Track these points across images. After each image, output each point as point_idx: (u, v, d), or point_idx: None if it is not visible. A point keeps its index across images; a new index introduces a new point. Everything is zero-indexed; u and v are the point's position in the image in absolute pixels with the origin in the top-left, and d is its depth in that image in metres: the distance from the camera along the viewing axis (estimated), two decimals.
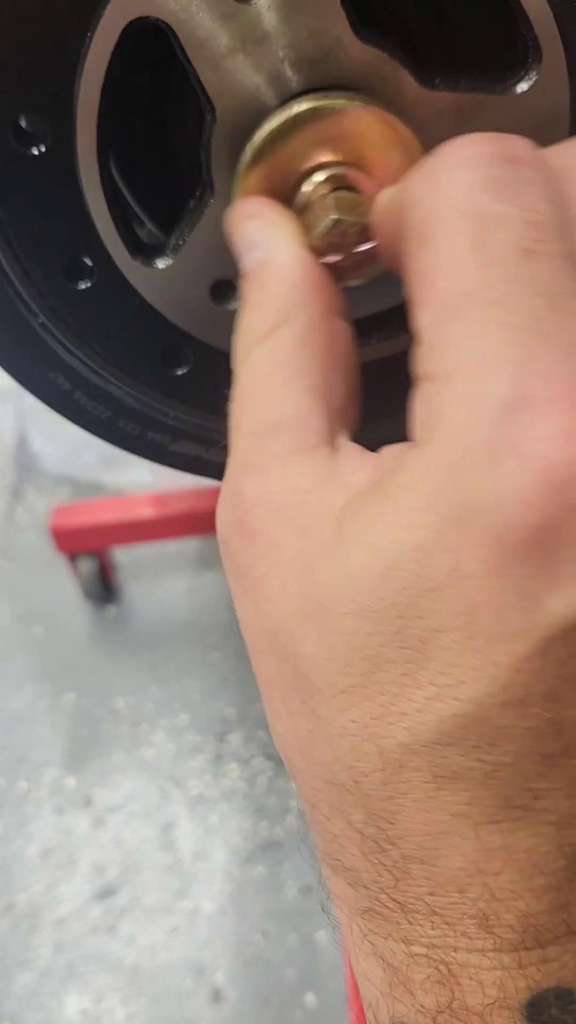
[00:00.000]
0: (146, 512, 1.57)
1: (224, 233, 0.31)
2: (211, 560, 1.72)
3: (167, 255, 0.34)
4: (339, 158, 0.30)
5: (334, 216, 0.29)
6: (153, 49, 0.30)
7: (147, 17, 0.29)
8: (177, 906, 1.26)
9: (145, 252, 0.34)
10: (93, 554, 1.61)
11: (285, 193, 0.31)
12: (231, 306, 0.35)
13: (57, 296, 0.35)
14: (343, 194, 0.30)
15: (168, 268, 0.34)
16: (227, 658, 1.55)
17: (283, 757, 0.27)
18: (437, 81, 0.30)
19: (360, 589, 0.22)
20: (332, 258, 0.29)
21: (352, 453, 0.26)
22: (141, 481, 1.81)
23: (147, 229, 0.38)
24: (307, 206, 0.30)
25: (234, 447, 0.27)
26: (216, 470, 0.40)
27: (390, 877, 0.23)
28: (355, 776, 0.23)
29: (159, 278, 0.34)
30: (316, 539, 0.24)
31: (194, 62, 0.29)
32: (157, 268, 0.34)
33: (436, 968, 0.23)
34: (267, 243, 0.29)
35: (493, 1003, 0.23)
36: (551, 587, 0.20)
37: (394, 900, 0.24)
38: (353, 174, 0.30)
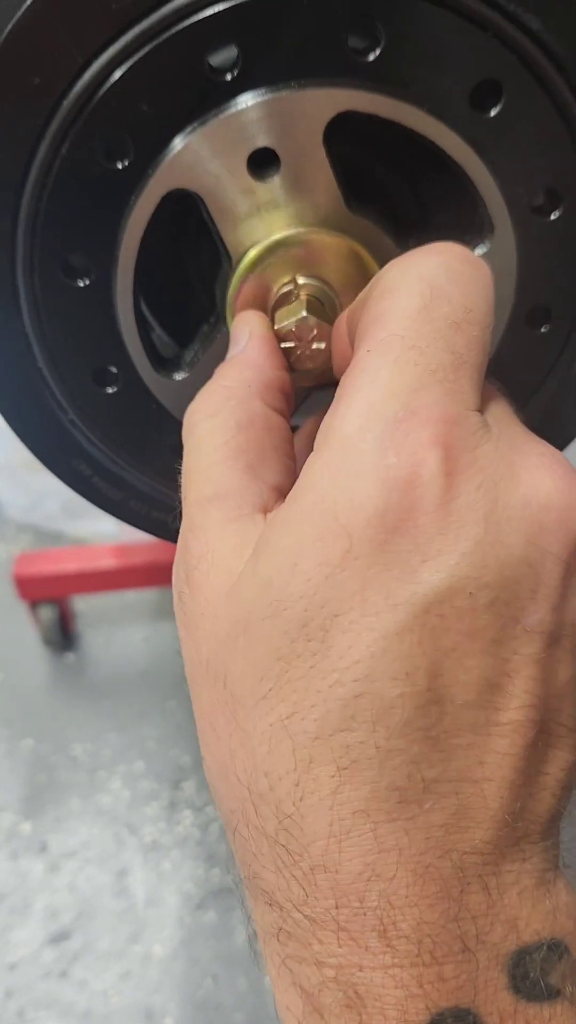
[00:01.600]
0: (108, 562, 1.62)
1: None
2: (169, 610, 1.75)
3: (184, 369, 0.40)
4: (315, 275, 0.37)
5: (303, 314, 0.36)
6: (180, 207, 0.37)
7: (183, 188, 0.35)
8: (129, 951, 1.29)
9: (165, 365, 0.41)
10: (54, 602, 1.64)
11: (267, 297, 0.38)
12: None
13: (86, 398, 0.41)
14: (313, 300, 0.37)
15: (184, 379, 0.40)
16: (183, 706, 1.59)
17: (211, 788, 0.29)
18: (411, 243, 0.38)
19: (274, 590, 0.26)
20: (288, 344, 0.36)
21: None
22: (101, 531, 1.86)
23: (158, 333, 0.45)
24: (284, 301, 0.37)
25: (184, 513, 0.31)
26: None
27: (300, 891, 0.25)
28: (271, 781, 0.25)
29: (175, 387, 0.41)
30: (241, 573, 0.28)
31: (218, 223, 0.36)
32: (175, 380, 0.40)
33: (344, 992, 0.25)
34: (240, 340, 0.35)
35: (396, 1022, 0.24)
36: (424, 559, 0.25)
37: (305, 916, 0.25)
38: (325, 289, 0.38)
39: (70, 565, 1.61)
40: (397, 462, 0.25)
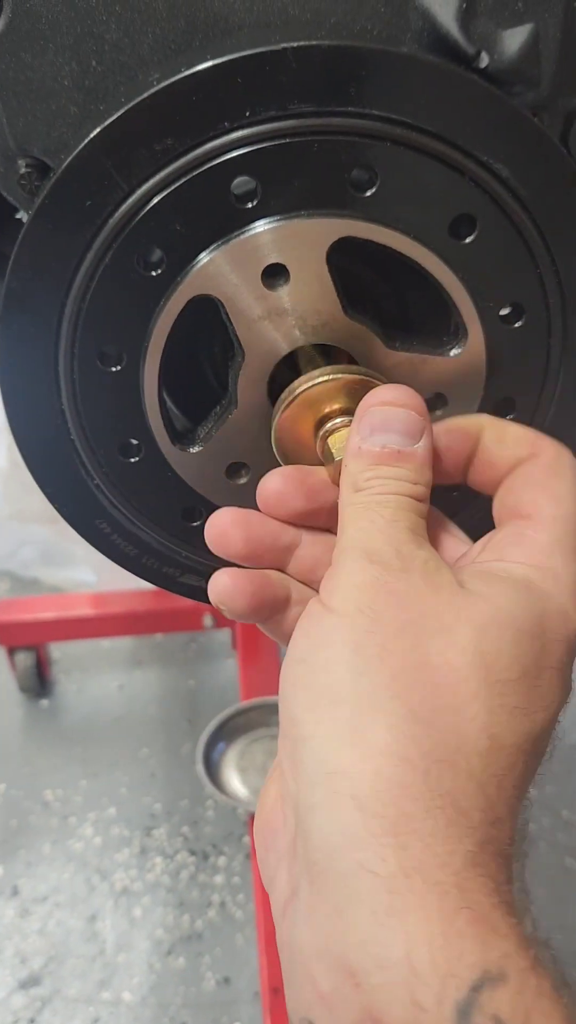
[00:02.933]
0: (86, 610, 1.66)
1: (241, 433, 0.44)
2: (144, 658, 1.80)
3: (198, 443, 0.46)
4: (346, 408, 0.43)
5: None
6: (199, 307, 0.43)
7: (206, 294, 0.42)
8: (99, 997, 1.30)
9: (182, 440, 0.46)
10: (31, 648, 1.67)
11: (313, 418, 0.43)
12: (239, 481, 0.47)
13: (111, 466, 0.47)
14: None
15: (197, 452, 0.46)
16: (156, 754, 1.62)
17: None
18: (397, 344, 0.44)
19: (522, 640, 0.34)
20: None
21: None
22: (77, 579, 1.90)
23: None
24: (331, 435, 0.43)
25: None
26: None
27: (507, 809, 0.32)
28: (491, 745, 0.33)
29: (190, 459, 0.47)
30: (469, 609, 0.35)
31: (234, 323, 0.43)
32: (190, 453, 0.46)
33: (515, 906, 0.30)
34: (422, 438, 0.39)
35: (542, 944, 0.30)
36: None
37: (509, 837, 0.32)
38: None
39: (48, 612, 1.65)
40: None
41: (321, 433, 0.42)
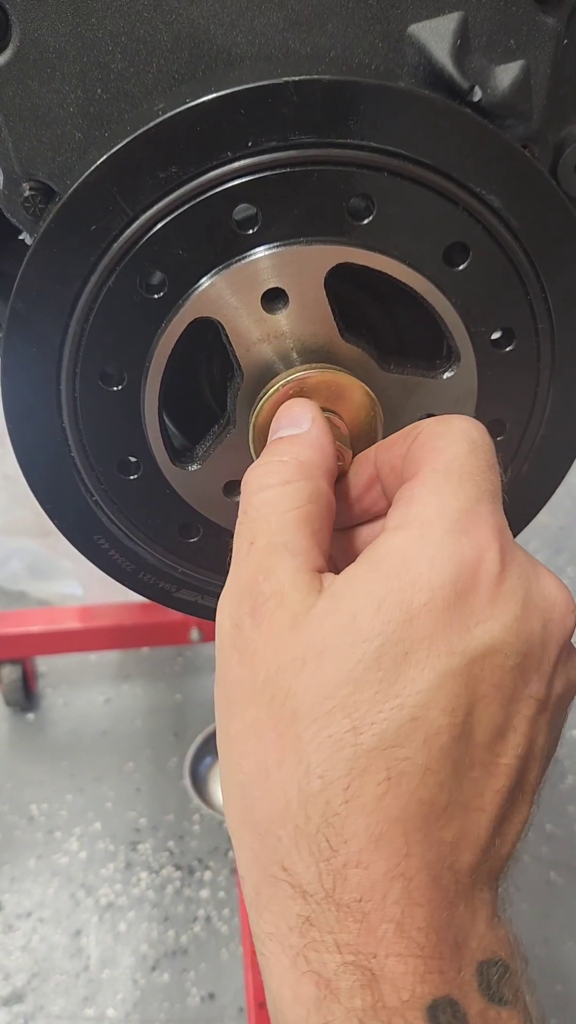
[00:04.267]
0: (73, 624, 1.66)
1: (239, 452, 0.45)
2: (131, 672, 1.80)
3: (197, 462, 0.47)
4: (325, 405, 0.45)
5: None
6: (199, 329, 0.45)
7: (206, 317, 0.43)
8: (82, 1013, 1.29)
9: (181, 458, 0.47)
10: (17, 662, 1.67)
11: None
12: (236, 499, 0.48)
13: (110, 483, 0.47)
14: (337, 429, 0.44)
15: (196, 471, 0.47)
16: (142, 768, 1.62)
17: (243, 797, 0.33)
18: (392, 367, 0.46)
19: (356, 624, 0.31)
20: None
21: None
22: (64, 592, 1.90)
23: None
24: None
25: (249, 556, 0.36)
26: (208, 612, 0.53)
27: (331, 882, 0.30)
28: (324, 783, 0.30)
29: (188, 476, 0.47)
30: (315, 610, 0.33)
31: (234, 345, 0.44)
32: (189, 471, 0.47)
33: (361, 974, 0.29)
34: (309, 423, 0.40)
35: (406, 1003, 0.29)
36: (477, 622, 0.32)
37: (333, 905, 0.29)
38: (332, 415, 0.45)
39: (35, 625, 1.65)
40: (468, 544, 0.33)
41: None
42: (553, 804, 1.54)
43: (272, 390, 0.44)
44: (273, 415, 0.44)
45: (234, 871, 1.45)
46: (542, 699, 0.33)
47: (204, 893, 1.44)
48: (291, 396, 0.44)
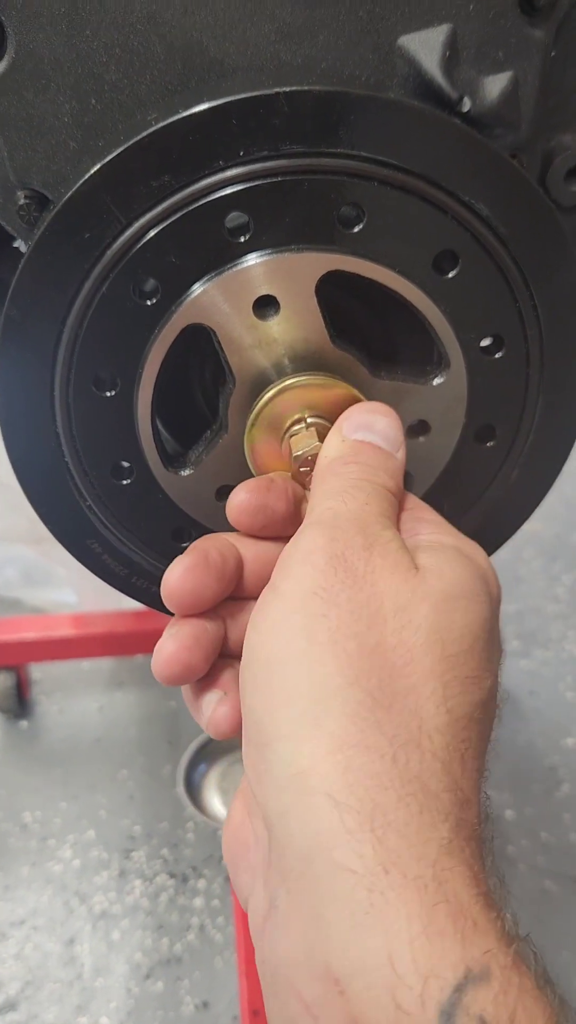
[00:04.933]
0: (66, 631, 1.66)
1: (231, 457, 0.46)
2: (124, 679, 1.80)
3: (189, 467, 0.48)
4: (316, 412, 0.45)
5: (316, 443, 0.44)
6: (191, 335, 0.45)
7: (198, 323, 0.43)
8: (76, 1022, 1.29)
9: (173, 463, 0.48)
10: (11, 669, 1.67)
11: (281, 427, 0.45)
12: None
13: (103, 488, 0.48)
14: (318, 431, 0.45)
15: (188, 476, 0.48)
16: (135, 776, 1.62)
17: (360, 704, 0.33)
18: (382, 373, 0.46)
19: (469, 587, 0.37)
20: (306, 469, 0.44)
21: None
22: (59, 600, 1.90)
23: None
24: (294, 436, 0.45)
25: (361, 493, 0.39)
26: None
27: (475, 786, 0.33)
28: (451, 718, 0.33)
29: (181, 482, 0.48)
30: (430, 567, 0.37)
31: (226, 351, 0.44)
32: (181, 475, 0.48)
33: (495, 907, 0.30)
34: (399, 448, 0.43)
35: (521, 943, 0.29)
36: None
37: (477, 817, 0.32)
38: (325, 423, 0.45)
39: (29, 632, 1.65)
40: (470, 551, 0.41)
41: (285, 436, 0.44)
42: (549, 813, 1.54)
43: (266, 397, 0.44)
44: (270, 423, 0.45)
45: (228, 879, 1.44)
46: None
47: (198, 901, 1.44)
48: (292, 401, 0.45)
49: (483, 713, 0.34)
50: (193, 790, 1.36)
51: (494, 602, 0.38)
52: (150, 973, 1.35)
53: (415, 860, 0.29)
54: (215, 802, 1.37)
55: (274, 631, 0.34)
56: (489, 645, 0.36)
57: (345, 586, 0.34)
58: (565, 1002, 0.28)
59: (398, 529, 0.39)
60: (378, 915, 0.28)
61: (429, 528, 0.40)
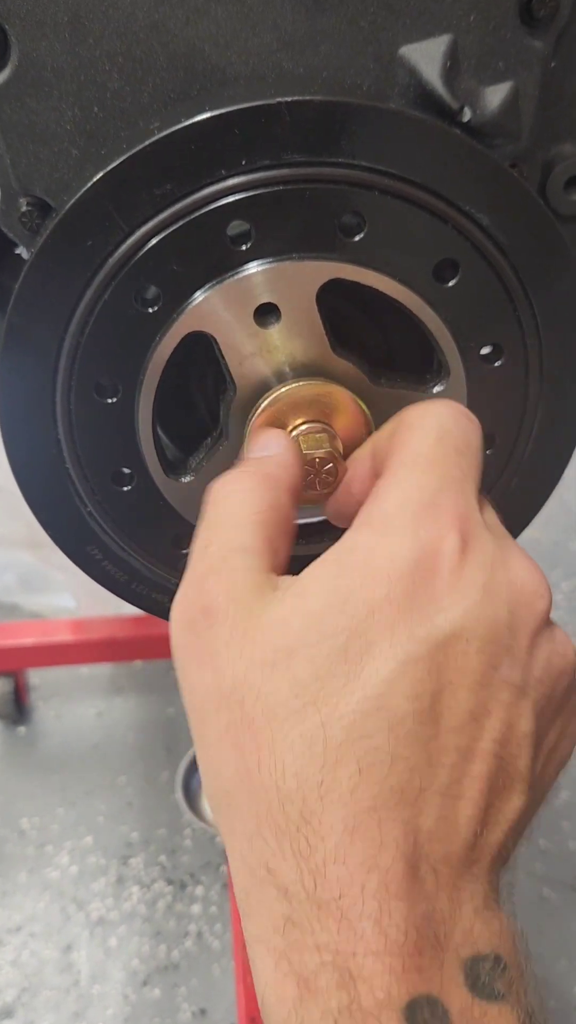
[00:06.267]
0: (65, 636, 1.65)
1: (231, 464, 0.46)
2: (123, 685, 1.80)
3: (189, 473, 0.48)
4: (317, 417, 0.45)
5: (328, 448, 0.44)
6: (192, 342, 0.45)
7: (200, 331, 0.44)
8: None
9: (174, 470, 0.48)
10: (9, 674, 1.67)
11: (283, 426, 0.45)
12: None
13: (104, 494, 0.48)
14: (320, 437, 0.45)
15: (189, 482, 0.48)
16: (134, 782, 1.62)
17: (227, 803, 0.33)
18: (383, 381, 0.46)
19: (323, 622, 0.32)
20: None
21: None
22: (57, 605, 1.90)
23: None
24: (308, 433, 0.45)
25: (200, 560, 0.36)
26: None
27: (311, 881, 0.30)
28: (299, 781, 0.30)
29: (181, 488, 0.48)
30: (282, 608, 0.33)
31: (227, 359, 0.44)
32: (182, 482, 0.48)
33: (339, 974, 0.29)
34: (273, 446, 0.41)
35: (382, 1003, 0.28)
36: (438, 610, 0.32)
37: (314, 904, 0.29)
38: (324, 427, 0.45)
39: (27, 638, 1.65)
40: (426, 535, 0.34)
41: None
42: (547, 820, 1.54)
43: (267, 402, 0.45)
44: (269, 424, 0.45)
45: (226, 886, 1.44)
46: (518, 684, 0.33)
47: (196, 908, 1.43)
48: (291, 407, 0.45)
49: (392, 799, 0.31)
50: (191, 796, 1.36)
51: (414, 630, 0.32)
52: (147, 980, 1.34)
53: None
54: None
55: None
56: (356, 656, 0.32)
57: (198, 665, 0.35)
58: None
59: (283, 540, 0.38)
60: None
61: (360, 521, 0.36)
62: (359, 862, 0.30)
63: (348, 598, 0.33)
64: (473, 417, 0.39)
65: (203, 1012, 1.31)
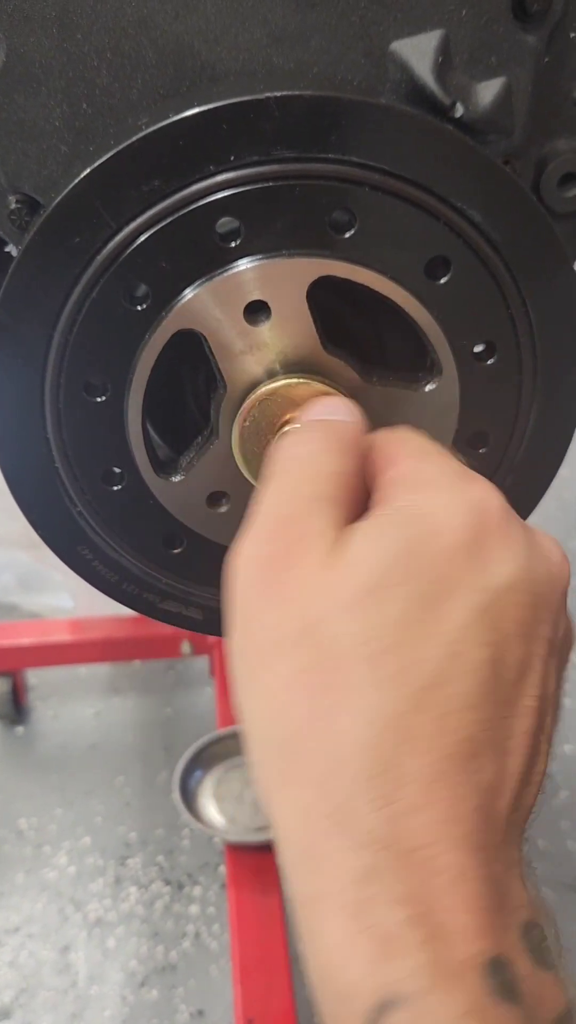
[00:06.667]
0: (63, 636, 1.65)
1: (222, 463, 0.45)
2: (121, 685, 1.80)
3: (180, 473, 0.47)
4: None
5: None
6: (183, 341, 0.45)
7: (189, 328, 0.43)
8: None
9: (164, 469, 0.48)
10: (7, 674, 1.67)
11: (270, 429, 0.45)
12: (220, 509, 0.48)
13: (94, 494, 0.48)
14: None
15: (179, 482, 0.47)
16: (132, 782, 1.61)
17: (278, 753, 0.32)
18: (374, 379, 0.46)
19: (404, 567, 0.32)
20: None
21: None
22: (56, 605, 1.89)
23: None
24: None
25: (279, 503, 0.36)
26: (192, 624, 0.53)
27: (392, 829, 0.28)
28: (379, 728, 0.29)
29: (172, 487, 0.48)
30: (352, 554, 0.33)
31: (217, 357, 0.44)
32: (172, 481, 0.47)
33: (423, 929, 0.27)
34: (348, 414, 0.41)
35: (465, 963, 0.27)
36: (494, 561, 0.33)
37: (394, 853, 0.28)
38: None
39: (25, 638, 1.65)
40: (475, 491, 0.35)
41: (275, 439, 0.44)
42: (546, 819, 1.54)
43: (257, 395, 0.44)
44: (259, 425, 0.45)
45: (224, 886, 1.44)
46: (551, 639, 0.34)
47: (194, 909, 1.43)
48: (283, 404, 0.44)
49: (470, 758, 0.30)
50: (188, 797, 1.35)
51: (479, 580, 0.33)
52: (145, 981, 1.34)
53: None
54: (210, 809, 1.36)
55: (237, 684, 0.35)
56: (473, 648, 0.31)
57: (271, 605, 0.33)
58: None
59: (353, 505, 0.37)
60: None
61: (399, 489, 0.36)
62: (442, 812, 0.29)
63: (420, 547, 0.33)
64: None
65: (200, 1013, 1.30)
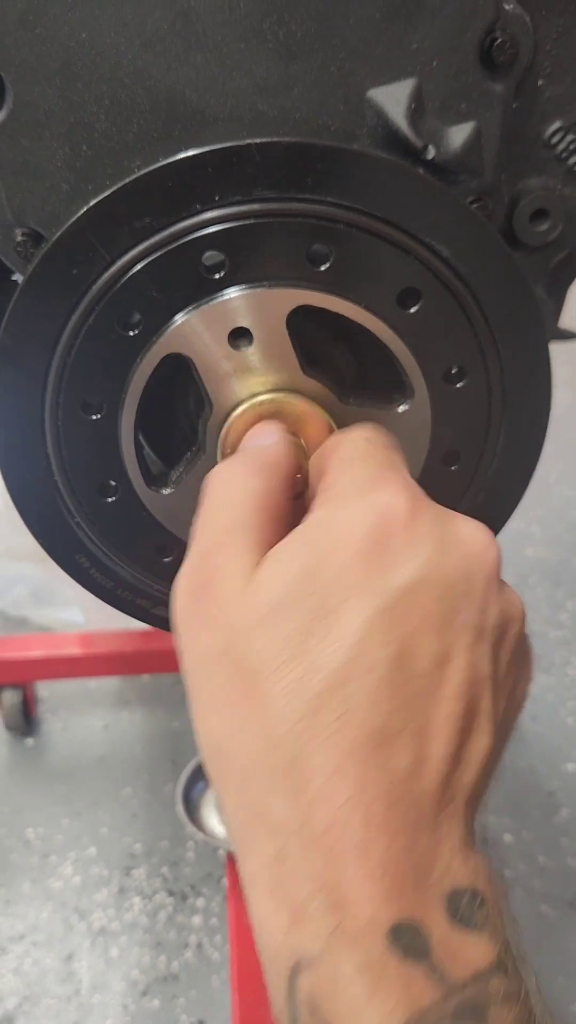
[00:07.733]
0: (73, 650, 1.69)
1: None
2: (129, 698, 1.83)
3: (170, 486, 0.51)
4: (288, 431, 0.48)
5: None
6: (173, 363, 0.48)
7: (178, 352, 0.47)
8: None
9: (156, 482, 0.51)
10: (18, 686, 1.70)
11: None
12: None
13: (90, 505, 0.51)
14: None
15: (170, 494, 0.51)
16: (138, 794, 1.64)
17: (220, 753, 0.36)
18: (351, 400, 0.49)
19: (299, 585, 0.36)
20: None
21: None
22: (66, 619, 1.93)
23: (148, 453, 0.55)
24: None
25: (204, 535, 0.40)
26: None
27: (300, 816, 0.32)
28: (288, 727, 0.33)
29: (163, 499, 0.51)
30: (261, 575, 0.37)
31: (204, 379, 0.48)
32: (163, 494, 0.51)
33: (327, 900, 0.31)
34: (269, 438, 0.45)
35: (366, 927, 0.31)
36: (396, 563, 0.36)
37: (304, 839, 0.32)
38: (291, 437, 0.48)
39: (36, 651, 1.68)
40: (377, 500, 0.38)
41: None
42: (546, 837, 1.55)
43: (239, 411, 0.48)
44: (241, 434, 0.48)
45: (226, 898, 1.46)
46: (477, 625, 0.37)
47: (196, 920, 1.45)
48: (262, 419, 0.48)
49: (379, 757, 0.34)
50: (192, 808, 1.38)
51: (378, 584, 0.36)
52: (147, 990, 1.36)
53: None
54: (213, 820, 1.38)
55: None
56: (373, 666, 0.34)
57: (201, 628, 0.38)
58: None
59: (277, 522, 0.40)
60: None
61: (317, 503, 0.40)
62: (343, 800, 0.32)
63: (319, 562, 0.36)
64: (385, 431, 0.45)
65: (201, 1023, 1.32)
